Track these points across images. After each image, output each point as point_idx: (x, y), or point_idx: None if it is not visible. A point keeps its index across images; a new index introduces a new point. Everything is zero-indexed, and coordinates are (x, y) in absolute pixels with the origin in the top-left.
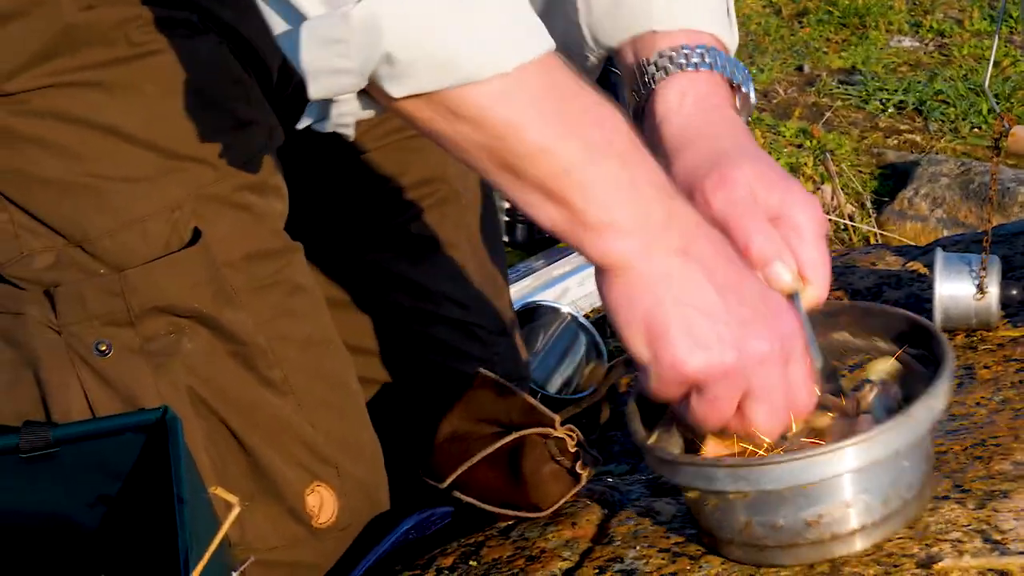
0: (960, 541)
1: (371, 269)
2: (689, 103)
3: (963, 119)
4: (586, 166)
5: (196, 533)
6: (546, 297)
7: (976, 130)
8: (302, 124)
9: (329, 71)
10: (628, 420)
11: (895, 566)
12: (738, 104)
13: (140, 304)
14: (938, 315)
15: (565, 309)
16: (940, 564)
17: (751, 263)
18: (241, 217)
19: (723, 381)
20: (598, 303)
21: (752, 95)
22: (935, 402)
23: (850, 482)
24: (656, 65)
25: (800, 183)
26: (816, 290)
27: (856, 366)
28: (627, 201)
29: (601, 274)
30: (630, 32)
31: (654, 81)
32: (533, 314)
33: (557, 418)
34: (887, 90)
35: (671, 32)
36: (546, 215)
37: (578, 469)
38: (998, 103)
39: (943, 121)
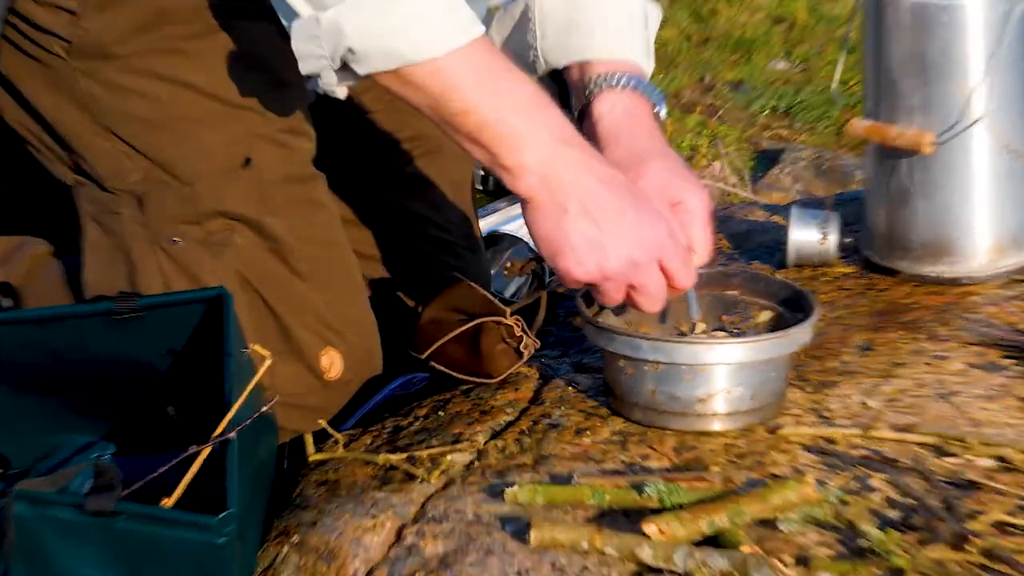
0: (799, 415)
1: (376, 199)
2: (618, 111)
3: (819, 121)
4: (499, 123)
5: (239, 379)
6: (507, 229)
7: (828, 128)
8: (309, 86)
9: (311, 56)
10: (577, 305)
11: (750, 431)
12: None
13: (205, 208)
14: (791, 254)
15: (520, 236)
16: (783, 431)
17: None
18: (281, 151)
19: (607, 282)
20: None
21: (663, 112)
22: (803, 334)
23: (734, 372)
24: (595, 83)
25: (696, 178)
26: (701, 258)
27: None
28: (529, 149)
29: (521, 203)
30: (576, 58)
31: (592, 94)
32: (496, 240)
33: (508, 310)
34: (764, 97)
35: (606, 60)
36: (478, 156)
37: (521, 348)
38: (846, 107)
39: (804, 122)
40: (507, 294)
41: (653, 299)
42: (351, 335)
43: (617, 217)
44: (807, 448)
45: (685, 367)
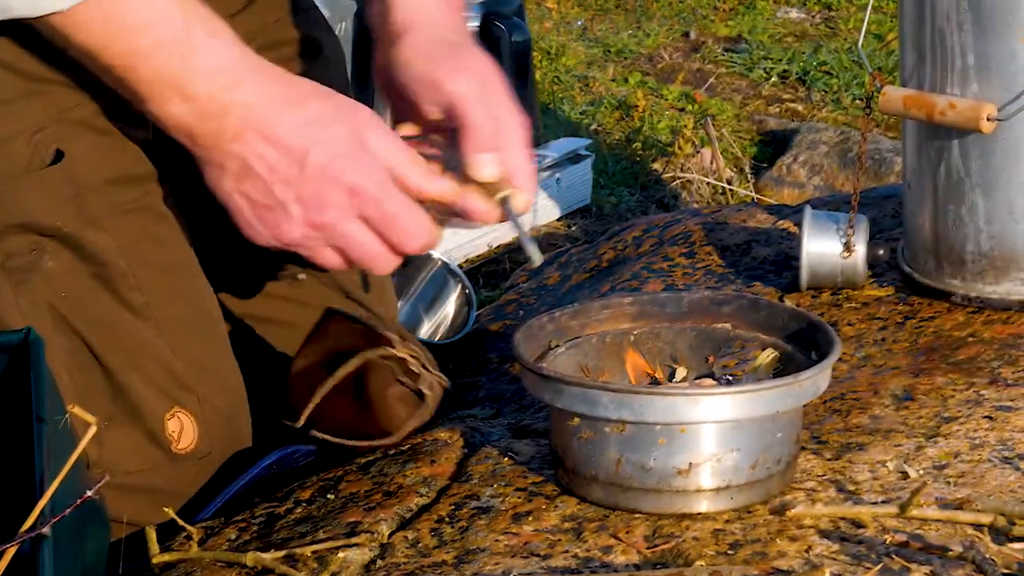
0: (814, 490)
1: None
2: None
3: (845, 90)
4: (132, 70)
5: (54, 452)
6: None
7: (857, 101)
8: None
9: None
10: (515, 347)
11: (748, 512)
12: None
13: (2, 221)
14: (804, 272)
15: (436, 255)
16: (793, 511)
17: (472, 149)
18: (103, 141)
19: (303, 247)
20: (472, 253)
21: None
22: (820, 379)
23: (725, 433)
24: None
25: (510, 95)
26: (527, 195)
27: (743, 360)
28: (178, 99)
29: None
30: None
31: None
32: (405, 261)
33: (396, 336)
34: (771, 59)
35: None
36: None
37: (424, 389)
38: (881, 74)
39: (825, 91)
40: (420, 334)
41: (371, 256)
42: (207, 392)
43: (291, 165)
44: (824, 534)
45: (660, 427)
